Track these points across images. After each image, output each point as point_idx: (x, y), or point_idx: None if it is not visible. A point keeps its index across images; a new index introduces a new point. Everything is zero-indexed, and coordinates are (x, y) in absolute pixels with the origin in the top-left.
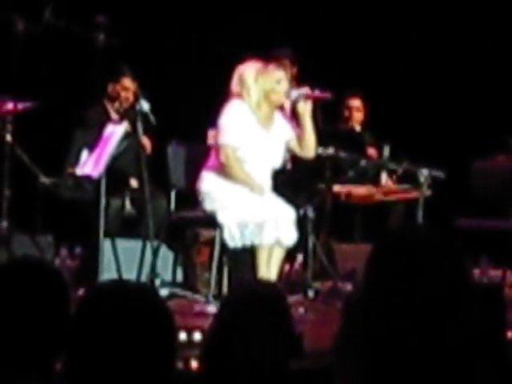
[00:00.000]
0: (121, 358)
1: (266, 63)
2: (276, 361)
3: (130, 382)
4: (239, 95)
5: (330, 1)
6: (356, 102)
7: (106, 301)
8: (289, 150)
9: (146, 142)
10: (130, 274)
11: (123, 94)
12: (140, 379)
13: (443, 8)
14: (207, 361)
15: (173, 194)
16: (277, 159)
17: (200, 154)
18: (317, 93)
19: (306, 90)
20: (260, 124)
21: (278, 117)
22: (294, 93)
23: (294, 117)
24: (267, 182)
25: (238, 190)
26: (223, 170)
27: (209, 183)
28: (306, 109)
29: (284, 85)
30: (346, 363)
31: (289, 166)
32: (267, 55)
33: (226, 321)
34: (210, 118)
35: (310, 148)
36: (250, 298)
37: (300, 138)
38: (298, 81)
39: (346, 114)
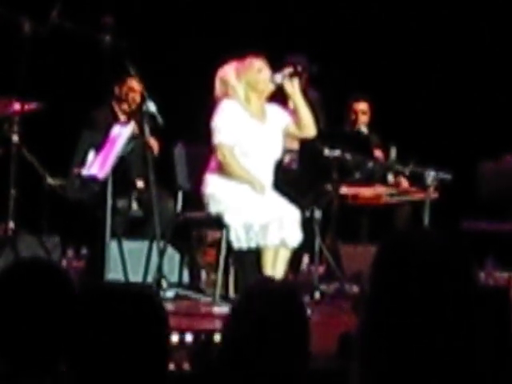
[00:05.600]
0: (116, 357)
1: (242, 59)
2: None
3: (128, 381)
4: (226, 96)
5: (337, 3)
6: (361, 105)
7: (101, 302)
8: (289, 135)
9: (152, 143)
10: (136, 275)
11: (130, 94)
12: (137, 379)
13: (449, 9)
14: (223, 362)
15: (179, 195)
16: (276, 149)
17: (206, 154)
18: (300, 68)
19: (288, 69)
20: (253, 118)
21: (270, 107)
22: (278, 76)
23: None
24: (269, 175)
25: (242, 191)
26: (223, 170)
27: (212, 186)
28: (293, 88)
29: (266, 72)
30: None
31: (295, 166)
32: (280, 60)
33: (241, 323)
34: (209, 120)
35: (308, 126)
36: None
37: (297, 120)
38: (306, 89)
39: (352, 117)
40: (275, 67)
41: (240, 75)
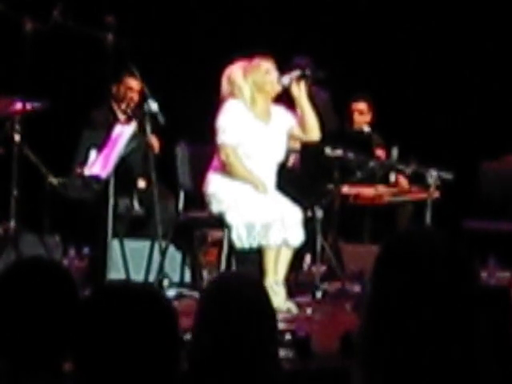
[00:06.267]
0: (126, 358)
1: (250, 59)
2: (261, 357)
3: (136, 382)
4: (232, 96)
5: (339, 3)
6: (359, 105)
7: (110, 301)
8: (293, 137)
9: (154, 142)
10: (137, 275)
11: (129, 94)
12: (146, 379)
13: (451, 10)
14: (194, 358)
15: (181, 195)
16: (280, 152)
17: (208, 154)
18: (308, 73)
19: (296, 72)
20: (258, 119)
21: (275, 108)
22: (286, 78)
23: (291, 106)
24: (272, 177)
25: (244, 190)
26: (226, 170)
27: (215, 185)
28: (300, 91)
29: (273, 73)
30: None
31: (296, 164)
32: (286, 62)
33: (208, 316)
34: (214, 119)
35: (313, 130)
36: (229, 293)
37: (302, 123)
38: (312, 91)
39: (351, 117)
40: (281, 68)
41: (247, 75)
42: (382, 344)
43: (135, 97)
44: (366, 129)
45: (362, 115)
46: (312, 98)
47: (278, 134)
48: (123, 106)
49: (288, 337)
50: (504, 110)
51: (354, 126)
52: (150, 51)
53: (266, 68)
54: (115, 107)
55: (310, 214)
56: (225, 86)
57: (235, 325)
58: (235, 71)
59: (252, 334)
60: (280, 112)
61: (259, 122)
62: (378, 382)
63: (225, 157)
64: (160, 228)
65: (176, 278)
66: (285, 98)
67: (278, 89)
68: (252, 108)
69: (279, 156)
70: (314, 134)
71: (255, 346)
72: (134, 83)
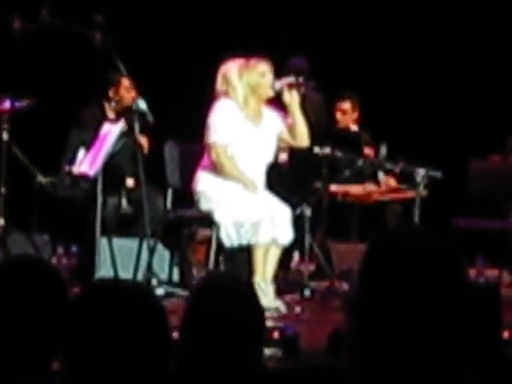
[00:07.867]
0: (115, 357)
1: (248, 59)
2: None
3: (126, 381)
4: (225, 94)
5: (327, 3)
6: (343, 105)
7: (100, 300)
8: (282, 141)
9: (143, 141)
10: (126, 273)
11: (127, 94)
12: (135, 378)
13: (440, 8)
14: (180, 357)
15: (169, 193)
16: (269, 154)
17: (196, 153)
18: (301, 80)
19: (289, 79)
20: (249, 120)
21: (267, 110)
22: (278, 84)
23: (282, 107)
24: (261, 178)
25: (234, 189)
26: (216, 169)
27: (204, 183)
28: (292, 98)
29: (269, 77)
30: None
31: (283, 158)
32: (282, 63)
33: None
34: (206, 117)
35: (302, 136)
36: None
37: (291, 129)
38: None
39: (335, 116)
40: (277, 69)
41: (242, 75)
42: (371, 342)
43: (133, 94)
44: (354, 127)
45: (344, 115)
46: (304, 104)
47: (268, 135)
48: (117, 106)
49: (276, 335)
50: (493, 108)
51: (337, 125)
52: (138, 50)
53: (262, 71)
54: (107, 106)
55: (298, 212)
56: (219, 82)
57: (222, 323)
58: (231, 70)
59: (239, 333)
60: (271, 115)
61: (250, 123)
62: (370, 380)
63: (216, 156)
64: (148, 226)
65: (164, 276)
66: (277, 102)
67: (270, 93)
68: (244, 109)
69: (268, 157)
70: (303, 141)
71: (241, 345)
72: (129, 83)
